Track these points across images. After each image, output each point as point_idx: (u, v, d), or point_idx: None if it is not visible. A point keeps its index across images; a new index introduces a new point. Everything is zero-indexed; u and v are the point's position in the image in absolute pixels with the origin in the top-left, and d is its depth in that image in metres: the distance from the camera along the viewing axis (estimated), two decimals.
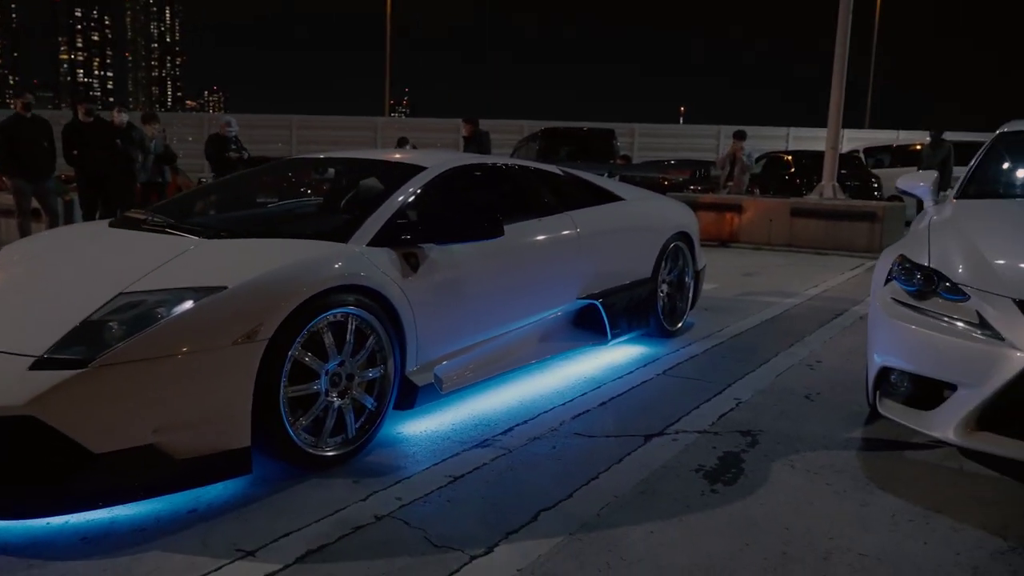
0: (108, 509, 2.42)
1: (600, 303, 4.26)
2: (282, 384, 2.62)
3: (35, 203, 8.48)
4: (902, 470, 2.96)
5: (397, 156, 4.11)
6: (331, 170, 4.50)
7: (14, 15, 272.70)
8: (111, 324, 2.46)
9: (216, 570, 2.15)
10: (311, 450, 2.75)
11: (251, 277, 2.65)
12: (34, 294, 2.83)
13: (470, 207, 3.90)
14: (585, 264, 4.19)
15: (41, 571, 2.14)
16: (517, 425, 3.32)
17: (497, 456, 2.98)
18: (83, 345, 2.40)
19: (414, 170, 3.65)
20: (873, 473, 2.91)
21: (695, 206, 11.59)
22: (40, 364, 2.34)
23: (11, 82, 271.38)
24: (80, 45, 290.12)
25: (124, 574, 2.13)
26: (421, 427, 3.26)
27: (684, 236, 5.08)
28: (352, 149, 4.84)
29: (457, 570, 2.17)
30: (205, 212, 4.04)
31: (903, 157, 15.03)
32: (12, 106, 8.40)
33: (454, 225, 3.29)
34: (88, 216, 8.59)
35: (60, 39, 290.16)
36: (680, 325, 5.06)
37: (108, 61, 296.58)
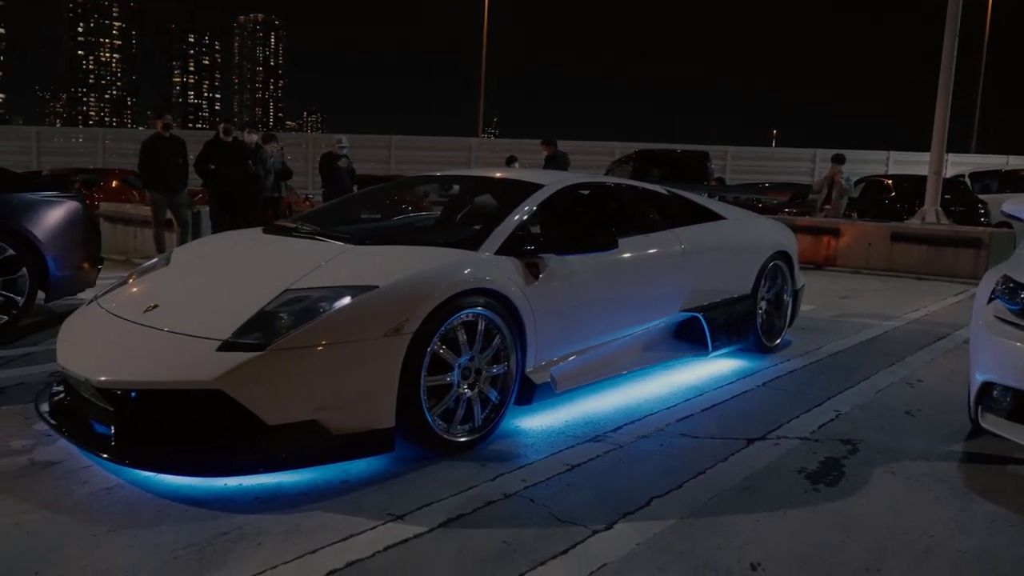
0: (274, 475, 2.79)
1: (702, 316, 4.46)
2: (423, 374, 2.95)
3: (168, 214, 9.29)
4: (1003, 481, 3.05)
5: (515, 175, 4.44)
6: (455, 187, 4.87)
7: (134, 41, 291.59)
8: (281, 315, 2.85)
9: (372, 528, 2.48)
10: (444, 435, 3.07)
11: (399, 278, 3.01)
12: (213, 289, 3.27)
13: (584, 222, 4.19)
14: (688, 279, 4.40)
15: (227, 522, 2.51)
16: (625, 424, 3.57)
17: (609, 450, 3.23)
18: (259, 332, 2.79)
19: (532, 187, 3.97)
20: (973, 483, 3.02)
21: (792, 229, 11.61)
22: (225, 347, 2.74)
23: (129, 103, 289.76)
24: (192, 69, 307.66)
25: (294, 528, 2.48)
26: (537, 422, 3.54)
27: (783, 255, 5.22)
28: (452, 168, 5.22)
29: (581, 541, 2.43)
30: (343, 222, 4.46)
31: (1013, 182, 14.51)
32: (153, 126, 9.25)
33: (573, 237, 3.59)
34: (217, 227, 9.32)
35: (173, 63, 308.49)
36: (778, 342, 5.19)
37: (216, 84, 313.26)
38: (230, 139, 9.29)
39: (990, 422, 3.11)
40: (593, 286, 3.79)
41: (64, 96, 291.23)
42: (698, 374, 4.48)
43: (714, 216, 4.90)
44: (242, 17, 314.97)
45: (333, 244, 3.54)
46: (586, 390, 3.93)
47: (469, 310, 3.12)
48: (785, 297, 5.29)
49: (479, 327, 3.19)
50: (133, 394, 2.75)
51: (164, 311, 3.08)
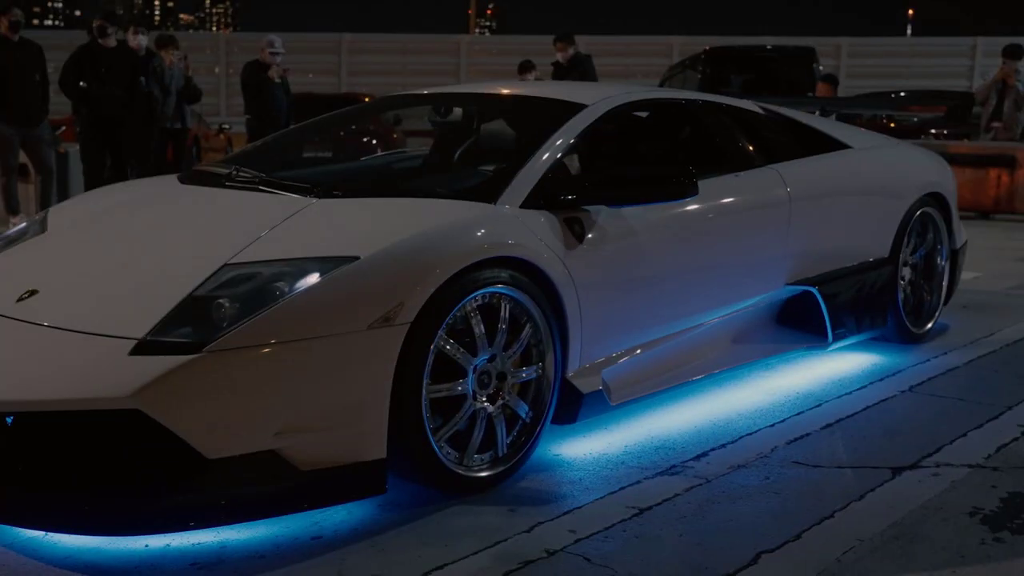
0: (216, 530, 2.90)
1: (818, 291, 4.55)
2: (424, 382, 3.05)
3: (23, 157, 9.38)
4: None
5: (541, 90, 4.51)
6: (457, 110, 4.95)
7: None
8: (221, 301, 2.94)
9: None
10: (456, 468, 3.17)
11: (387, 244, 3.09)
12: (116, 265, 3.37)
13: (646, 158, 4.26)
14: (797, 238, 4.48)
15: None
16: (712, 449, 3.67)
17: (692, 486, 3.34)
18: (190, 326, 2.89)
19: (571, 109, 4.03)
20: None
21: (944, 158, 11.65)
22: (142, 347, 2.83)
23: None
24: None
25: None
26: (585, 448, 3.65)
27: (936, 199, 5.29)
28: (436, 81, 5.28)
29: None
30: (291, 165, 4.55)
31: None
32: None
33: (632, 180, 3.66)
34: (92, 174, 9.42)
35: None
36: (930, 326, 5.28)
37: None
38: (112, 44, 9.36)
39: None
40: (662, 251, 3.88)
41: None
42: (814, 375, 4.58)
43: (834, 144, 4.97)
44: None
45: (287, 197, 3.63)
46: (651, 402, 4.03)
47: (487, 289, 3.21)
48: (939, 261, 5.37)
49: (502, 313, 3.28)
50: (9, 420, 2.85)
51: (46, 299, 3.17)
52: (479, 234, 3.26)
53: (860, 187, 4.93)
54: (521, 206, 3.54)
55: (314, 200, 3.57)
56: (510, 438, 3.36)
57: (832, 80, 11.96)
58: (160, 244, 3.46)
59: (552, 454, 3.60)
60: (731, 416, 4.04)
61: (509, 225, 3.39)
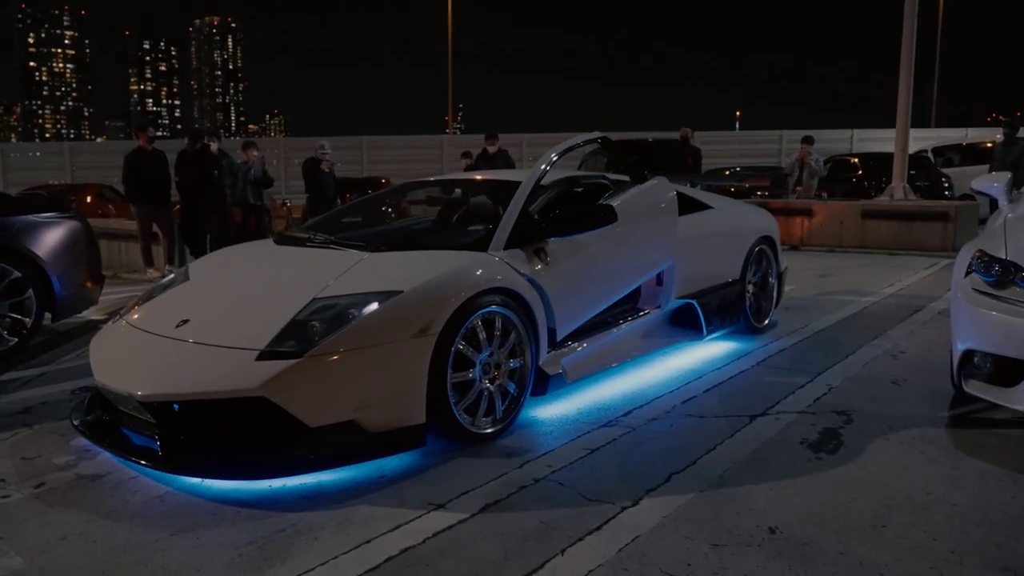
0: (315, 475, 2.96)
1: (696, 302, 4.69)
2: (448, 371, 3.14)
3: (155, 227, 9.33)
4: (988, 440, 3.31)
5: (503, 176, 4.63)
6: (457, 191, 5.04)
7: (87, 50, 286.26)
8: (313, 323, 3.02)
9: (418, 518, 2.66)
10: (471, 428, 3.26)
11: (421, 282, 3.19)
12: (240, 301, 3.42)
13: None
14: (682, 267, 4.62)
15: (280, 520, 2.68)
16: (635, 409, 3.78)
17: (623, 433, 3.44)
18: (294, 340, 2.96)
19: (515, 185, 4.13)
20: (961, 443, 3.28)
21: (772, 212, 11.92)
22: (264, 356, 2.90)
23: (86, 114, 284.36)
24: (149, 76, 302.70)
25: (345, 522, 2.65)
26: (552, 411, 3.75)
27: (767, 240, 5.46)
28: (426, 168, 5.38)
29: (612, 517, 2.63)
30: (347, 229, 4.61)
31: (973, 155, 14.98)
32: (137, 139, 9.28)
33: (574, 217, 3.84)
34: (186, 240, 9.36)
35: (130, 70, 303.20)
36: (767, 323, 5.44)
37: (175, 90, 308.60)
38: (198, 148, 9.36)
39: (973, 387, 3.37)
40: (596, 264, 4.02)
41: (18, 110, 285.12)
42: (696, 358, 4.71)
43: (702, 206, 5.13)
44: (198, 21, 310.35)
45: (350, 252, 3.71)
46: (594, 380, 4.13)
47: (487, 309, 3.31)
48: (771, 279, 5.54)
49: (496, 324, 3.38)
50: (176, 406, 2.91)
51: (196, 325, 3.23)
52: (479, 273, 3.36)
53: (720, 232, 5.08)
54: (504, 248, 3.65)
55: (368, 254, 3.65)
56: (504, 406, 3.45)
57: (696, 160, 12.13)
58: (270, 285, 3.52)
59: (531, 416, 3.68)
60: (646, 387, 4.15)
61: (498, 266, 3.49)
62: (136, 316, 3.55)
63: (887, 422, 3.55)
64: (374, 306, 3.06)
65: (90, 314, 6.22)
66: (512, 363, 3.50)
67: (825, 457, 3.14)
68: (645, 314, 4.48)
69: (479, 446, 3.29)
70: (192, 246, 9.30)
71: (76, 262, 5.51)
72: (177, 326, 3.25)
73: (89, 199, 14.29)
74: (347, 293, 3.17)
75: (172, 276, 4.03)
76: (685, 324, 4.78)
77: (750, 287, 5.33)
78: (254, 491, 2.89)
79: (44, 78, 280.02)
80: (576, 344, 3.96)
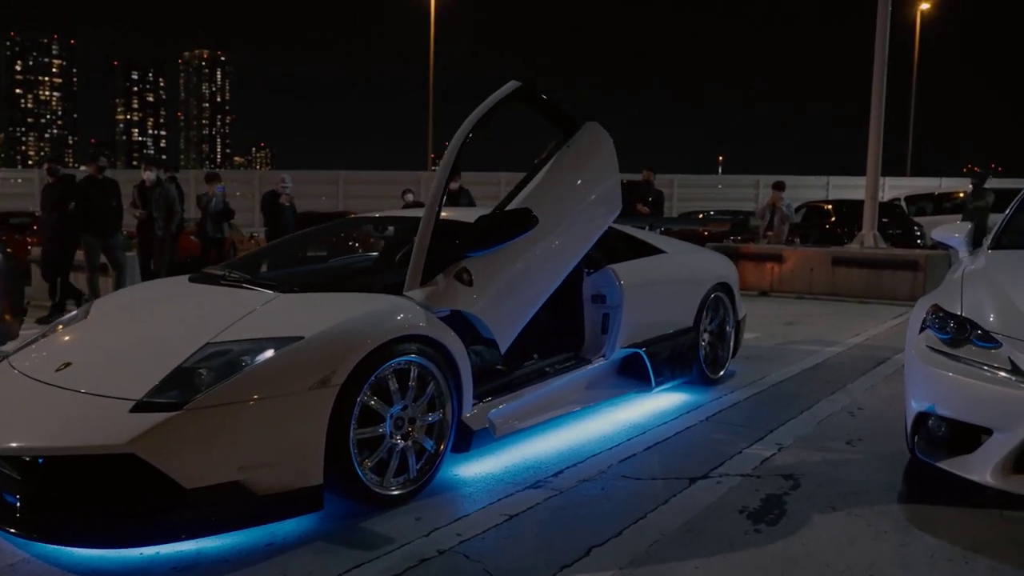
0: (195, 541, 2.65)
1: (644, 351, 4.44)
2: (352, 427, 2.85)
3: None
4: (941, 513, 3.05)
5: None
6: (390, 228, 4.79)
7: (75, 79, 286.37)
8: (200, 371, 2.73)
9: None
10: (377, 489, 2.96)
11: (324, 328, 2.91)
12: (131, 343, 3.12)
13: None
14: (630, 314, 4.37)
15: None
16: (567, 468, 3.49)
17: (549, 496, 3.15)
18: (177, 390, 2.66)
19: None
20: (913, 515, 3.01)
21: (735, 256, 11.75)
22: (140, 407, 2.60)
23: (70, 142, 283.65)
24: (136, 106, 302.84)
25: None
26: (476, 470, 3.45)
27: (724, 287, 5.24)
28: (399, 205, 5.09)
29: None
30: (276, 268, 4.34)
31: (945, 204, 15.01)
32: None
33: (487, 227, 3.47)
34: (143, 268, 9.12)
35: (116, 100, 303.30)
36: (722, 373, 5.19)
37: (161, 121, 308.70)
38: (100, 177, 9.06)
39: (926, 452, 3.12)
40: (527, 253, 3.67)
41: (1, 135, 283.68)
42: (642, 411, 4.43)
43: (653, 250, 4.90)
44: (187, 53, 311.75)
45: (261, 292, 3.43)
46: (527, 433, 3.84)
47: (401, 358, 3.04)
48: (728, 328, 5.31)
49: (412, 374, 3.10)
50: (41, 460, 2.59)
51: (77, 369, 2.93)
52: (394, 319, 3.09)
53: (672, 278, 4.85)
54: (421, 284, 3.36)
55: (279, 295, 3.37)
56: (419, 465, 3.15)
57: (657, 204, 11.90)
58: (166, 327, 3.22)
59: (452, 475, 3.39)
60: (583, 442, 3.87)
61: (415, 311, 3.21)
62: (22, 357, 3.24)
63: (836, 488, 3.28)
64: (269, 353, 2.77)
65: (9, 349, 5.86)
66: (431, 417, 3.21)
67: (764, 529, 2.87)
68: (588, 364, 4.22)
69: (389, 509, 2.99)
70: (53, 284, 8.86)
71: None
72: (57, 370, 2.94)
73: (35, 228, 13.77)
74: (243, 338, 2.88)
75: (75, 312, 3.73)
76: (633, 374, 4.52)
77: (705, 336, 5.09)
78: (120, 560, 2.58)
79: (29, 105, 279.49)
80: (506, 396, 3.67)
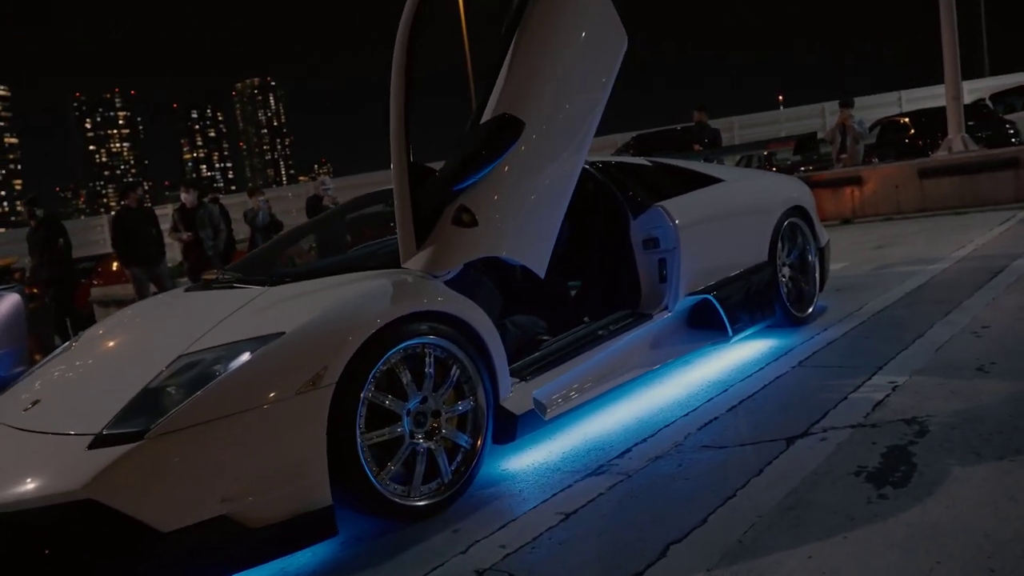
0: None
1: (713, 297, 3.79)
2: (358, 430, 2.34)
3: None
4: None
5: None
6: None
7: (140, 127, 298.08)
8: (169, 389, 2.27)
9: None
10: (402, 501, 2.44)
11: (310, 318, 2.41)
12: (104, 369, 2.71)
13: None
14: (689, 257, 3.72)
15: None
16: (636, 444, 2.91)
17: (615, 483, 2.58)
18: (144, 416, 2.20)
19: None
20: None
21: (809, 185, 10.82)
22: (98, 442, 2.16)
23: (146, 187, 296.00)
24: (200, 143, 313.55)
25: None
26: (528, 460, 2.90)
27: (799, 211, 4.51)
28: None
29: None
30: (286, 263, 3.88)
31: None
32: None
33: (476, 150, 2.81)
34: None
35: (182, 140, 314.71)
36: (811, 310, 4.47)
37: (225, 153, 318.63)
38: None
39: None
40: (532, 162, 2.98)
41: (83, 192, 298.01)
42: (721, 365, 3.80)
43: (708, 180, 4.23)
44: (239, 84, 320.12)
45: (248, 290, 2.96)
46: (588, 408, 3.27)
47: (409, 341, 2.51)
48: (810, 258, 4.58)
49: (427, 359, 2.57)
50: None
51: (45, 407, 2.52)
52: (391, 296, 2.55)
53: (735, 209, 4.16)
54: (419, 248, 2.80)
55: (267, 289, 2.89)
56: (453, 466, 2.62)
57: (714, 142, 10.98)
58: (145, 346, 2.79)
59: (500, 470, 2.85)
60: (653, 411, 3.27)
61: (418, 285, 2.68)
62: (1, 400, 2.87)
63: (976, 429, 2.59)
64: (244, 357, 2.28)
65: None
66: (460, 406, 2.68)
67: (892, 493, 2.22)
68: (649, 320, 3.60)
69: (420, 522, 2.47)
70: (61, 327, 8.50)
71: (19, 337, 4.93)
72: (25, 410, 2.54)
73: (114, 266, 13.87)
74: (217, 344, 2.41)
75: (65, 344, 3.35)
76: (706, 325, 3.88)
77: (785, 270, 4.39)
78: None
79: (104, 159, 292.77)
80: (553, 370, 3.10)
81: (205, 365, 2.31)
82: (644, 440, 2.94)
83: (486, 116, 2.91)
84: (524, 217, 2.90)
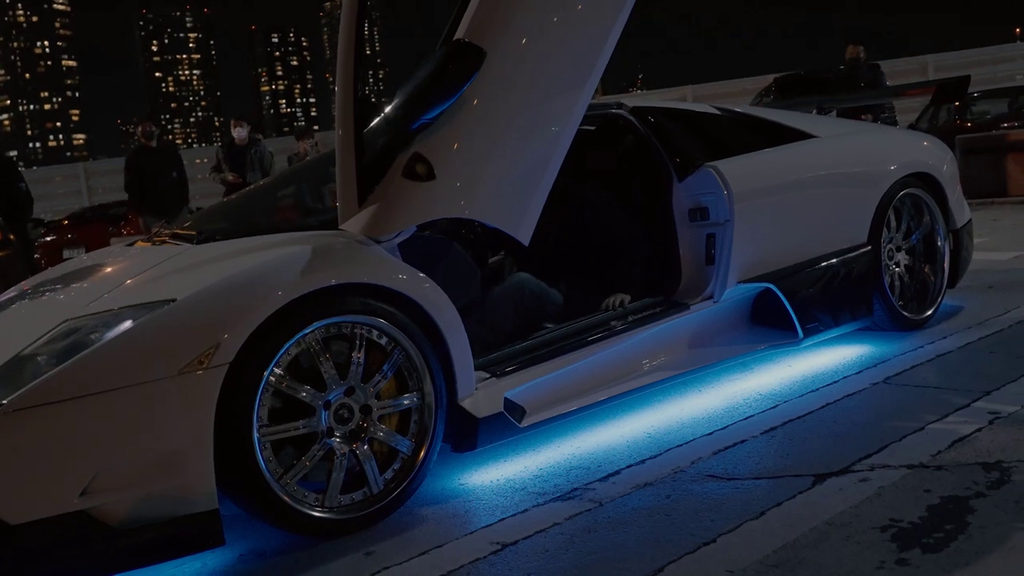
0: None
1: (777, 287, 3.63)
2: (254, 422, 2.39)
3: None
4: None
5: None
6: None
7: (213, 52, 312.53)
8: (40, 358, 2.38)
9: None
10: (309, 511, 2.48)
11: (206, 284, 2.47)
12: (2, 327, 2.87)
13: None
14: (746, 233, 3.57)
15: None
16: (628, 467, 2.85)
17: (578, 512, 2.53)
18: (6, 387, 2.33)
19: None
20: None
21: (1001, 148, 10.11)
22: None
23: (216, 123, 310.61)
24: (280, 73, 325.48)
25: None
26: (493, 475, 2.90)
27: (924, 179, 4.24)
28: None
29: None
30: (253, 215, 3.97)
31: None
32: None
33: (426, 85, 2.77)
34: None
35: (260, 70, 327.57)
36: (930, 312, 4.21)
37: (308, 87, 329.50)
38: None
39: None
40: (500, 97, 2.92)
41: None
42: (787, 374, 3.67)
43: (794, 135, 4.02)
44: (327, 3, 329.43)
45: (173, 247, 3.06)
46: (596, 415, 3.23)
47: (332, 319, 2.53)
48: (938, 242, 4.30)
49: (357, 342, 2.59)
50: None
51: None
52: (303, 267, 2.56)
53: (820, 175, 3.94)
54: (361, 205, 2.78)
55: (192, 247, 2.98)
56: (387, 474, 2.64)
57: (875, 82, 10.40)
58: (49, 306, 2.93)
59: (457, 484, 2.86)
60: (672, 426, 3.19)
61: (351, 250, 2.69)
62: None
63: None
64: (125, 326, 2.37)
65: None
66: (406, 401, 2.69)
67: (916, 560, 2.07)
68: (685, 311, 3.49)
69: (334, 539, 2.52)
70: None
71: None
72: None
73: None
74: (104, 310, 2.51)
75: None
76: (774, 323, 3.73)
77: (899, 256, 4.16)
78: None
79: (171, 88, 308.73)
80: (540, 366, 3.06)
81: (83, 333, 2.41)
82: (641, 462, 2.87)
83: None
84: (499, 171, 2.86)
